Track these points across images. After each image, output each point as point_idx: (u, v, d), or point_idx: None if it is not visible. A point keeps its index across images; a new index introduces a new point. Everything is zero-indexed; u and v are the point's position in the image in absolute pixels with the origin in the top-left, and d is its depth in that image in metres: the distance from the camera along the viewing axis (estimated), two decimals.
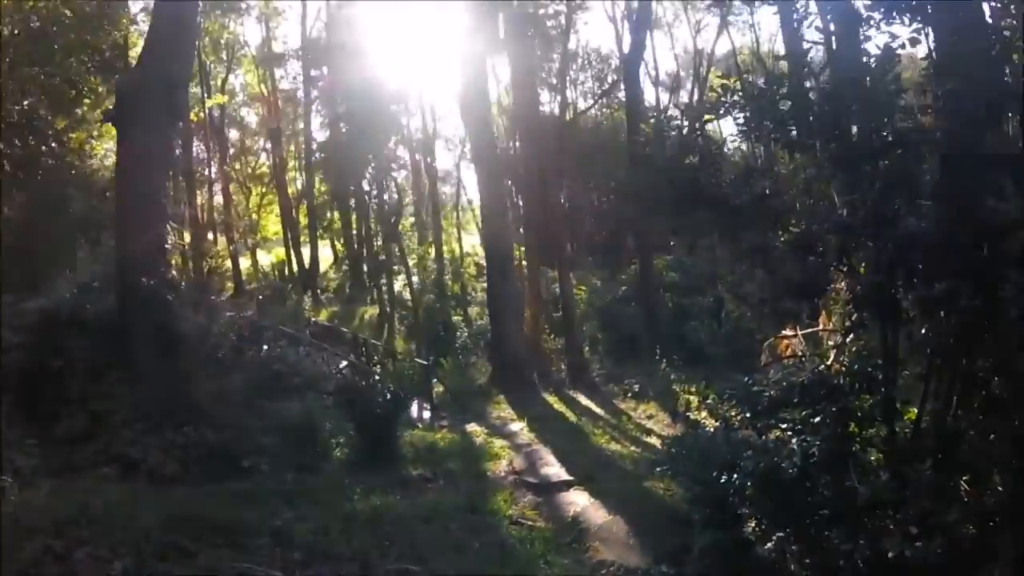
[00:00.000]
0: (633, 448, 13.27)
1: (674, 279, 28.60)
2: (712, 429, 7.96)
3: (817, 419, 6.42)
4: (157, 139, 13.05)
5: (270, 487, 10.25)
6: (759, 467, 6.02)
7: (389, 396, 12.88)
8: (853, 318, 7.42)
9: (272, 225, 49.98)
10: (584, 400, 19.04)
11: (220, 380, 13.80)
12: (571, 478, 10.94)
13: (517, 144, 33.91)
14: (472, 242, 45.15)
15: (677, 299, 28.13)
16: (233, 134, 48.32)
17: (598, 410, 17.82)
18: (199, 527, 7.64)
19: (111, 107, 14.07)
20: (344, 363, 21.68)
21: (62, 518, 7.37)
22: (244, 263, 46.00)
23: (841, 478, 6.12)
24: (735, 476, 6.27)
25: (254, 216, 47.47)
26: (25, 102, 17.11)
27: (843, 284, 9.45)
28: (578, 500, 9.96)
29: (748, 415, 6.67)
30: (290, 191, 44.82)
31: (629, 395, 19.29)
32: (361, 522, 8.57)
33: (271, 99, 42.69)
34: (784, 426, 6.71)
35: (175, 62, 13.29)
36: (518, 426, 15.87)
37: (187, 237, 36.22)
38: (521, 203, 30.27)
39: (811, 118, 6.09)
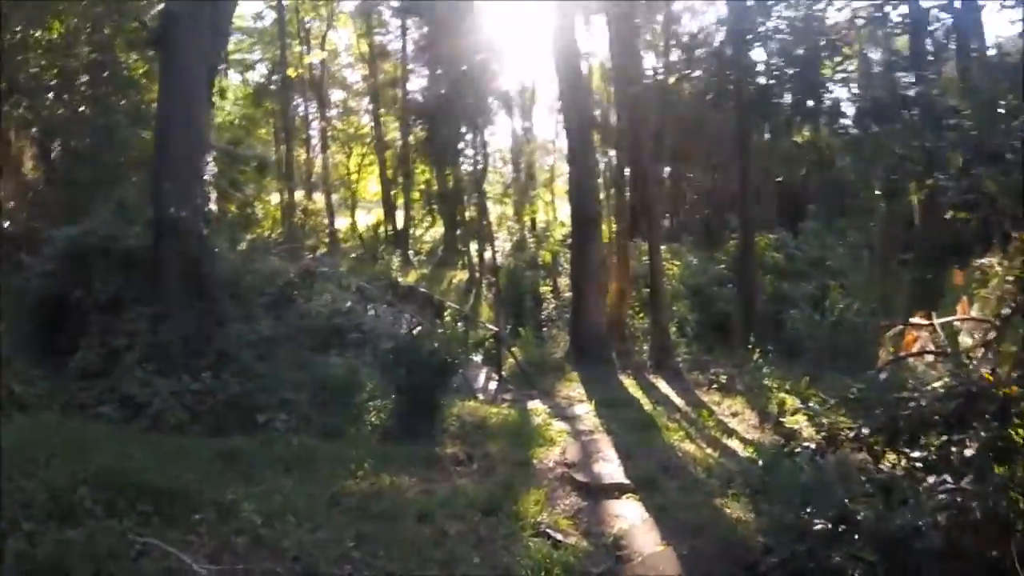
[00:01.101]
0: (709, 451, 10.95)
1: (776, 260, 25.61)
2: (812, 444, 5.69)
3: (970, 450, 4.11)
4: (198, 60, 11.74)
5: (271, 449, 8.66)
6: (882, 523, 3.77)
7: (434, 361, 11.02)
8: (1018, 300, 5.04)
9: (374, 185, 49.21)
10: (664, 387, 16.72)
11: (257, 326, 12.36)
12: (627, 481, 8.77)
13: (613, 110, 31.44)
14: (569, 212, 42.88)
15: (777, 283, 25.21)
16: (337, 95, 47.57)
17: (677, 400, 15.48)
18: (134, 487, 6.06)
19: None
20: (418, 324, 20.06)
21: None
22: (346, 223, 45.39)
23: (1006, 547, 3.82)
24: (842, 527, 4.04)
25: (354, 176, 46.66)
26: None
27: (996, 260, 6.92)
28: (629, 513, 7.79)
29: (873, 432, 4.38)
30: (388, 153, 43.50)
31: (714, 386, 16.82)
32: (343, 508, 6.77)
33: (369, 57, 41.44)
34: (915, 455, 4.42)
35: None
36: (584, 409, 13.80)
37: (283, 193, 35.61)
38: (612, 166, 27.65)
39: None
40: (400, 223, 42.04)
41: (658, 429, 12.33)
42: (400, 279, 30.86)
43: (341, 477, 7.81)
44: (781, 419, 9.74)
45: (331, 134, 45.81)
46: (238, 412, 10.38)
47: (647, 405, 14.55)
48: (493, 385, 17.29)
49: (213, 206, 12.31)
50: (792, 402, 13.03)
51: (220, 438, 9.24)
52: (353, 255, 38.95)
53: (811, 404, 9.58)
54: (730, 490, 8.33)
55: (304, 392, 11.40)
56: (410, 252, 40.22)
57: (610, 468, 9.49)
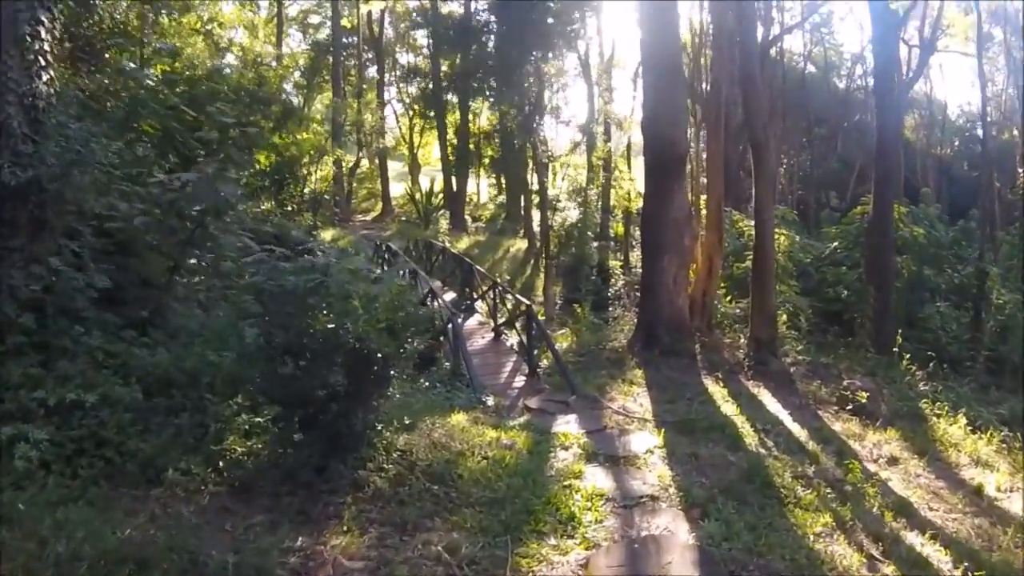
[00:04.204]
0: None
1: (916, 235, 18.55)
2: None
3: None
4: None
5: None
6: None
7: (335, 353, 5.29)
8: None
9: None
10: (770, 402, 10.57)
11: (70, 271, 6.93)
12: None
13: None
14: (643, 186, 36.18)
15: (915, 266, 18.26)
16: (404, 58, 42.07)
17: (794, 427, 9.34)
18: None
19: None
20: (430, 294, 14.39)
21: None
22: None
23: None
24: None
25: (416, 139, 41.25)
26: None
27: None
28: None
29: None
30: (450, 116, 37.52)
31: (848, 408, 10.55)
32: None
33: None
34: None
35: None
36: (647, 442, 7.87)
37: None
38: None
39: None
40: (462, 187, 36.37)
41: (779, 500, 6.32)
42: (447, 244, 25.20)
43: None
44: None
45: (395, 97, 40.59)
46: None
47: (750, 437, 8.50)
48: (519, 382, 11.54)
49: (45, 86, 6.89)
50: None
51: None
52: (404, 219, 33.75)
53: None
54: None
55: (132, 388, 6.04)
56: (468, 218, 34.65)
57: None
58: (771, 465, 7.25)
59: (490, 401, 9.75)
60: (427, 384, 10.49)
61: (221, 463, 5.53)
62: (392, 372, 5.66)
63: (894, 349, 12.97)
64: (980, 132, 46.73)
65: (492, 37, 25.92)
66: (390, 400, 6.09)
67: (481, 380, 10.83)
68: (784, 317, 14.29)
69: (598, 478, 6.42)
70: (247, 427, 5.99)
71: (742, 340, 13.41)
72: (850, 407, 10.55)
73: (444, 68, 33.96)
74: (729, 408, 9.76)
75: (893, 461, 8.73)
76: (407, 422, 6.48)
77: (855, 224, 18.86)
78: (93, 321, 7.02)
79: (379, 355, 5.25)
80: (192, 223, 8.22)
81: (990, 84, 50.09)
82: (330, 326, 5.12)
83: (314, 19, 39.42)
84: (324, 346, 5.11)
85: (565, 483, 6.15)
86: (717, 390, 10.80)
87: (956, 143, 48.61)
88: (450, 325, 12.22)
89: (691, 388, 10.74)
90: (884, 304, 15.35)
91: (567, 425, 8.47)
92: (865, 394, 10.65)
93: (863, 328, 15.59)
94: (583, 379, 11.20)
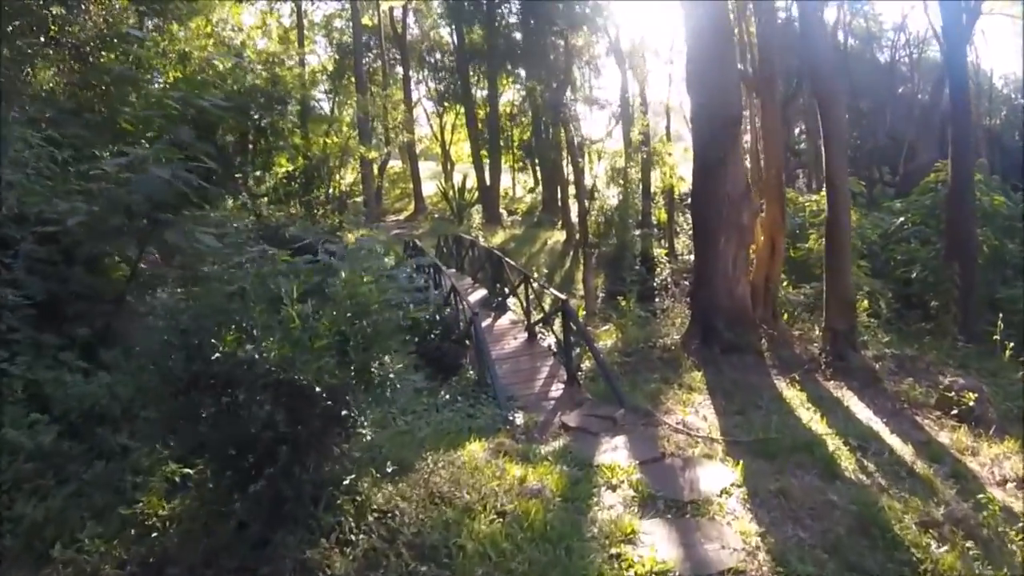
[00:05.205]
0: None
1: (997, 205, 16.08)
2: None
3: None
4: None
5: None
6: None
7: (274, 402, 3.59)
8: None
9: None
10: (858, 409, 8.59)
11: None
12: None
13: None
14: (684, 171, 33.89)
15: (992, 239, 15.80)
16: (430, 56, 40.43)
17: (895, 443, 7.41)
18: None
19: None
20: (452, 293, 12.70)
21: None
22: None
23: None
24: None
25: (447, 137, 39.61)
26: None
27: None
28: None
29: None
30: (480, 111, 35.67)
31: (952, 412, 8.51)
32: None
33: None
34: None
35: None
36: (719, 477, 6.07)
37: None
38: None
39: None
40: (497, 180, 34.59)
41: (909, 565, 4.47)
42: (477, 238, 23.52)
43: None
44: None
45: (425, 95, 39.08)
46: None
47: (846, 460, 6.61)
48: (557, 391, 9.78)
49: None
50: None
51: None
52: (436, 216, 32.25)
53: None
54: None
55: (43, 428, 4.63)
56: (503, 212, 32.93)
57: None
58: (885, 506, 5.36)
59: (519, 419, 8.03)
60: (447, 397, 8.85)
61: (134, 531, 3.94)
62: (348, 412, 3.94)
63: (995, 337, 10.84)
64: None
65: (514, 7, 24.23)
66: (361, 438, 4.37)
67: (509, 392, 9.11)
68: (865, 303, 12.20)
69: (658, 540, 4.64)
70: (177, 479, 4.38)
71: (816, 332, 11.39)
72: (955, 411, 8.54)
73: (468, 48, 32.35)
74: (813, 420, 7.85)
75: (1020, 478, 6.80)
76: (391, 469, 4.77)
77: (929, 194, 16.54)
78: (25, 343, 5.58)
79: (317, 389, 3.56)
80: (145, 221, 6.64)
81: None
82: (249, 346, 3.46)
83: (338, 23, 38.23)
84: (241, 377, 3.45)
85: (611, 550, 4.40)
86: (793, 394, 8.89)
87: (1004, 113, 45.22)
88: (472, 327, 10.51)
89: (762, 393, 8.84)
90: (969, 284, 13.14)
91: (614, 452, 6.69)
92: (973, 395, 8.61)
93: (946, 313, 13.37)
94: (631, 385, 9.40)
